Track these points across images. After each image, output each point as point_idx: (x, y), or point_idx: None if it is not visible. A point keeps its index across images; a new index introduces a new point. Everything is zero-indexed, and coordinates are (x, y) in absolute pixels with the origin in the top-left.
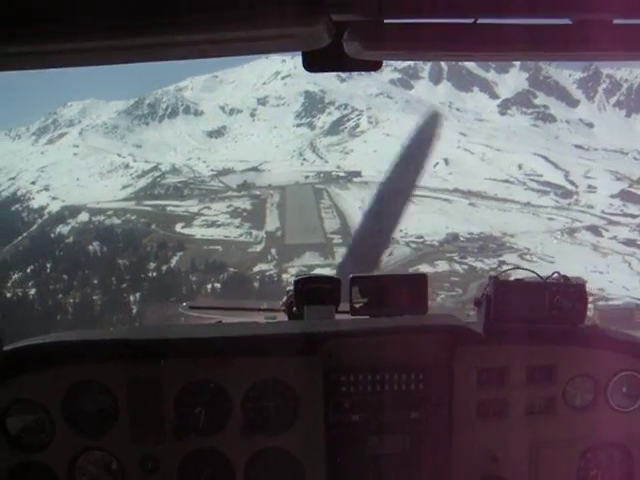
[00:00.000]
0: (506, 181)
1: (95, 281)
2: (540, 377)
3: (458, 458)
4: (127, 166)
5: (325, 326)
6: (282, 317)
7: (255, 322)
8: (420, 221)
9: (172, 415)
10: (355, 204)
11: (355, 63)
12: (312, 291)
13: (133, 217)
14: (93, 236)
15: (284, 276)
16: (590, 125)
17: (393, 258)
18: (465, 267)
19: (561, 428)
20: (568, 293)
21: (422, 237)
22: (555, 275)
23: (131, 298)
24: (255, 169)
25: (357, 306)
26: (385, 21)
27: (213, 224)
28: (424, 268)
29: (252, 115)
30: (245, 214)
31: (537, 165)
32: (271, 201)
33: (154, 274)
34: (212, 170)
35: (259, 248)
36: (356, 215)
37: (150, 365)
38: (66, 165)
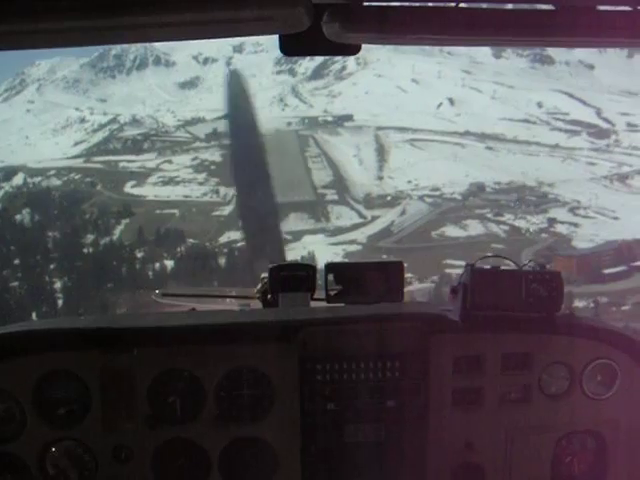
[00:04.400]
0: (526, 121)
1: (16, 261)
2: (516, 365)
3: (434, 446)
4: (83, 120)
5: (300, 314)
6: (256, 304)
7: (229, 310)
8: (432, 169)
9: (145, 404)
10: (349, 151)
11: (333, 47)
12: (287, 278)
13: (77, 177)
14: (24, 202)
15: None
16: (590, 67)
17: (408, 218)
18: (505, 228)
19: (536, 415)
20: (544, 281)
21: (438, 189)
22: (531, 263)
23: (57, 285)
24: (228, 117)
25: (332, 293)
26: (365, 4)
27: (171, 181)
28: (451, 231)
29: (228, 64)
30: (213, 167)
31: (561, 102)
32: None
33: (90, 250)
34: (179, 120)
35: (227, 210)
36: (351, 164)
37: (123, 354)
38: (17, 123)
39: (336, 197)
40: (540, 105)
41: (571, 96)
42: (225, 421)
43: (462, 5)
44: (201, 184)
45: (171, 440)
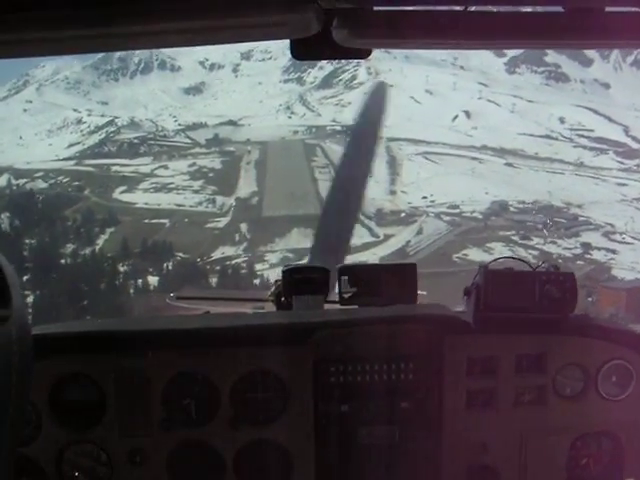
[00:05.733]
0: (547, 137)
1: None
2: (530, 366)
3: (448, 448)
4: (80, 121)
5: (314, 316)
6: (270, 307)
7: (243, 312)
8: (448, 185)
9: (160, 407)
10: None
11: (344, 51)
12: (301, 281)
13: (65, 180)
14: (3, 206)
15: (257, 266)
16: (606, 86)
17: (424, 238)
18: (534, 253)
19: (551, 417)
20: (558, 282)
21: (457, 206)
22: (545, 264)
23: (28, 300)
24: (232, 123)
25: (346, 296)
26: (374, 8)
27: (164, 187)
28: (474, 254)
29: (235, 71)
30: (211, 175)
31: (585, 118)
32: (248, 159)
33: (68, 261)
34: (180, 125)
35: (223, 222)
36: None
37: (137, 357)
38: (13, 122)
39: None
40: (562, 120)
41: (596, 112)
42: (239, 423)
43: (471, 9)
44: (196, 192)
45: (186, 443)
